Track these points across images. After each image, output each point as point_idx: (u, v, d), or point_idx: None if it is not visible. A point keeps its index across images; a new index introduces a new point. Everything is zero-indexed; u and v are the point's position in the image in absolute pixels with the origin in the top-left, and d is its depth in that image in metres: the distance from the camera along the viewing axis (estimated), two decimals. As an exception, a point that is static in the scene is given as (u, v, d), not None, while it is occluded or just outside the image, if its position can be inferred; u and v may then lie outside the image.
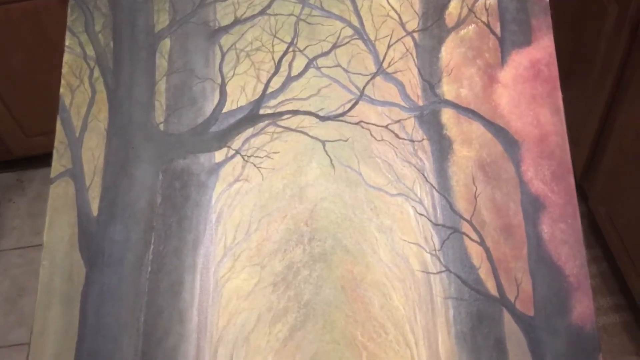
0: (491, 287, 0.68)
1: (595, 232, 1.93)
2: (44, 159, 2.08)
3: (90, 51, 0.72)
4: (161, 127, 0.70)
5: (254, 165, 0.70)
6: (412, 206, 0.70)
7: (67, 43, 0.72)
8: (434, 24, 0.75)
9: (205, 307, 0.65)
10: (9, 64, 1.78)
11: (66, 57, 0.71)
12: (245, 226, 0.68)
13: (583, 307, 0.67)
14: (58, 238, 0.66)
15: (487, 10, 0.76)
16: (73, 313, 0.64)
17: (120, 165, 0.69)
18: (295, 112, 0.72)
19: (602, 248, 1.92)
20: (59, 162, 0.68)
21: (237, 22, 0.74)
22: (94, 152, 0.69)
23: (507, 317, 0.67)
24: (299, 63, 0.74)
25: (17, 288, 1.87)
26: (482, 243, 0.69)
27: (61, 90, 0.70)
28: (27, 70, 1.80)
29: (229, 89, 0.72)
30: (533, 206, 0.70)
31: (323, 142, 0.71)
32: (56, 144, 0.68)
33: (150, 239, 0.67)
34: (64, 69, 0.71)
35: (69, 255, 0.66)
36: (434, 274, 0.68)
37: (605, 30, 1.55)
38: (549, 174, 0.71)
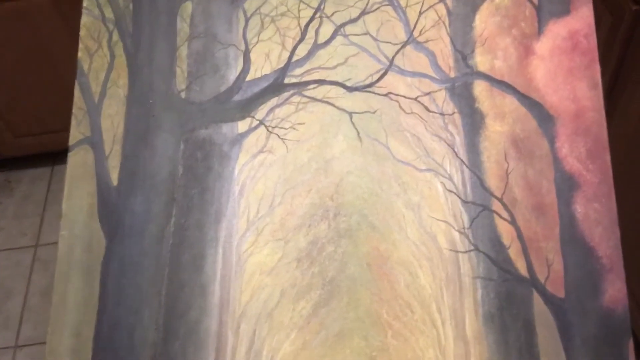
0: (521, 267, 0.66)
1: None
2: (32, 159, 2.06)
3: (109, 13, 0.69)
4: (182, 94, 0.68)
5: (278, 136, 0.67)
6: (441, 182, 0.67)
7: (84, 4, 0.68)
8: (468, -9, 0.71)
9: (227, 281, 0.63)
10: (-1, 64, 1.75)
11: (84, 19, 0.68)
12: (268, 199, 0.66)
13: (615, 289, 0.65)
14: (77, 208, 0.64)
15: (524, -23, 0.72)
16: (93, 284, 0.63)
17: (141, 134, 0.66)
18: (321, 82, 0.69)
19: None
20: (77, 129, 0.66)
21: (261, -15, 0.71)
22: (113, 119, 0.66)
23: (536, 298, 0.65)
24: (326, 30, 0.70)
25: (3, 290, 1.85)
26: (512, 222, 0.66)
27: (79, 54, 0.67)
28: (16, 70, 1.78)
29: (253, 56, 0.69)
30: (567, 184, 0.67)
31: (350, 114, 0.68)
32: (74, 110, 0.66)
33: (172, 210, 0.65)
34: (82, 32, 0.68)
35: (88, 225, 0.64)
36: (462, 252, 0.66)
37: (598, 40, 1.52)
38: (584, 151, 0.68)
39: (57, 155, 2.08)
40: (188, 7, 0.70)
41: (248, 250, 0.65)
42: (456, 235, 0.66)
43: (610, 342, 0.64)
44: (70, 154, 0.65)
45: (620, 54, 1.45)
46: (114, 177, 0.65)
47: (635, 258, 1.54)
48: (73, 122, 0.66)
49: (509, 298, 0.65)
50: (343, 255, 0.65)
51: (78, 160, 0.65)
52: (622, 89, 1.49)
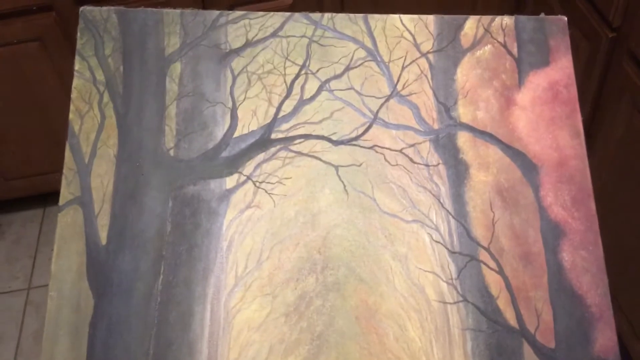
0: (510, 317, 0.65)
1: None
2: (23, 202, 2.08)
3: (100, 76, 0.70)
4: (171, 152, 0.69)
5: (266, 191, 0.68)
6: (428, 233, 0.67)
7: (76, 67, 0.70)
8: (449, 45, 0.73)
9: (215, 339, 0.63)
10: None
11: (75, 81, 0.70)
12: (256, 254, 0.66)
13: (605, 338, 0.64)
14: (66, 267, 0.65)
15: (503, 30, 0.74)
16: (81, 345, 0.62)
17: (130, 192, 0.67)
18: (307, 137, 0.70)
19: None
20: (68, 189, 0.67)
21: (248, 44, 0.72)
22: (102, 179, 0.67)
23: (527, 349, 0.64)
24: (312, 86, 0.72)
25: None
26: (500, 271, 0.66)
27: (70, 116, 0.69)
28: (5, 114, 1.82)
29: (240, 113, 0.70)
30: (553, 233, 0.67)
31: (336, 167, 0.69)
32: (65, 170, 0.67)
33: (160, 268, 0.65)
34: (73, 94, 0.69)
35: (76, 285, 0.64)
36: (451, 303, 0.65)
37: (577, 67, 1.55)
38: (569, 199, 0.68)
39: (49, 197, 2.08)
40: (177, 68, 0.72)
41: (236, 306, 0.64)
42: (444, 286, 0.66)
43: (603, 393, 0.63)
44: (60, 215, 0.66)
45: (599, 80, 1.47)
46: (103, 236, 0.66)
47: (628, 290, 1.53)
48: (63, 182, 0.66)
49: (499, 349, 0.64)
50: (331, 309, 0.65)
51: (68, 221, 0.66)
52: (602, 115, 1.50)
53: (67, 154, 0.67)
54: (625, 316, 1.57)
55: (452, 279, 0.66)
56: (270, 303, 0.65)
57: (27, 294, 1.93)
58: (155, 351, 0.62)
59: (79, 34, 0.72)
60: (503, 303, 0.65)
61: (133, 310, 0.64)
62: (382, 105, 0.72)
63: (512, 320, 0.65)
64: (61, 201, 0.66)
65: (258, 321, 0.64)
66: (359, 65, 0.73)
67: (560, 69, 0.73)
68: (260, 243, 0.67)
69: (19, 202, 2.09)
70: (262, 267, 0.66)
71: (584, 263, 0.66)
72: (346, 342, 0.64)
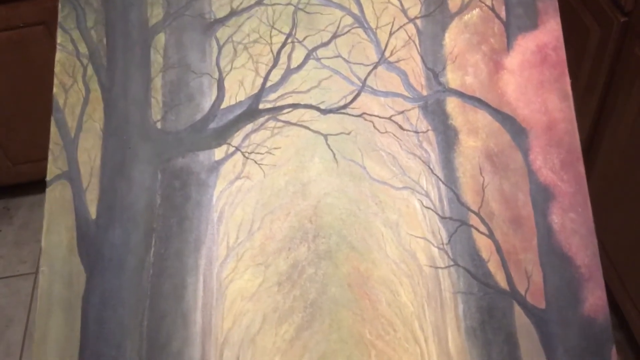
0: (501, 280, 0.65)
1: None
2: (31, 186, 2.06)
3: (83, 48, 0.69)
4: (158, 125, 0.68)
5: (255, 162, 0.67)
6: (419, 199, 0.67)
7: (58, 40, 0.69)
8: (436, 10, 0.72)
9: (209, 309, 0.63)
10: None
11: (58, 55, 0.68)
12: (247, 225, 0.66)
13: (595, 298, 0.65)
14: (56, 243, 0.64)
15: (491, -7, 0.72)
16: (74, 319, 0.62)
17: (118, 166, 0.66)
18: (295, 106, 0.69)
19: None
20: (55, 164, 0.66)
21: (233, 13, 0.71)
22: (90, 153, 0.66)
23: (517, 310, 0.65)
24: (299, 54, 0.70)
25: (4, 318, 1.84)
26: (490, 235, 0.66)
27: (54, 90, 0.67)
28: (13, 98, 1.80)
29: (227, 83, 0.69)
30: (542, 196, 0.67)
31: (325, 136, 0.68)
32: (51, 145, 0.66)
33: (151, 241, 0.64)
34: (57, 68, 0.68)
35: (68, 260, 0.64)
36: (442, 268, 0.65)
37: (588, 52, 1.52)
38: (558, 162, 0.68)
39: (57, 181, 2.06)
40: (161, 39, 0.70)
41: (229, 277, 0.64)
42: (435, 251, 0.66)
43: (593, 351, 0.64)
44: (48, 190, 0.65)
45: (610, 66, 1.45)
46: (92, 211, 0.65)
47: (633, 265, 1.54)
48: (50, 157, 0.66)
49: (490, 312, 0.64)
50: (324, 277, 0.65)
51: (56, 196, 0.65)
52: (613, 102, 1.48)
53: (53, 128, 0.66)
54: (616, 273, 1.58)
55: (443, 244, 0.66)
56: (263, 272, 0.65)
57: (35, 278, 1.93)
58: (150, 323, 0.62)
59: (60, 6, 0.70)
60: (494, 266, 0.66)
61: (125, 283, 0.63)
62: (370, 72, 0.71)
63: (503, 283, 0.65)
64: (49, 176, 0.65)
65: (251, 291, 0.64)
66: (346, 33, 0.72)
67: (549, 32, 0.72)
68: (251, 213, 0.67)
69: (27, 187, 2.07)
70: (254, 237, 0.66)
71: (573, 225, 0.66)
72: (339, 309, 0.65)
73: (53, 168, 0.66)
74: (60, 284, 0.63)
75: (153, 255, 0.64)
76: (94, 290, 0.63)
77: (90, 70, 0.69)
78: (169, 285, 0.64)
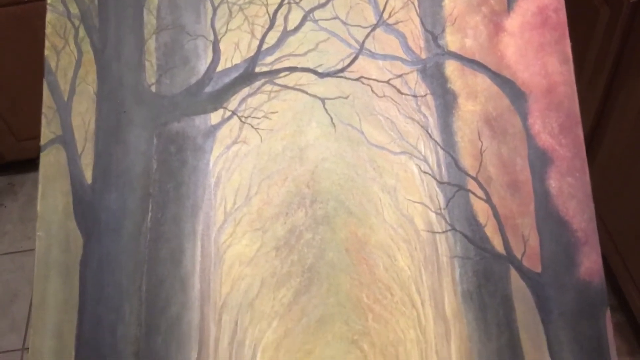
0: (497, 244, 0.65)
1: None
2: (35, 162, 2.04)
3: (74, 9, 0.67)
4: (153, 88, 0.66)
5: (252, 126, 0.66)
6: (416, 164, 0.67)
7: (48, 1, 0.66)
8: (436, -30, 0.70)
9: (207, 274, 0.63)
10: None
11: (49, 16, 0.66)
12: (245, 190, 0.65)
13: (591, 262, 0.65)
14: (52, 207, 0.63)
15: (492, -47, 0.70)
16: (72, 283, 0.62)
17: (112, 130, 0.65)
18: (292, 69, 0.68)
19: None
20: (48, 128, 0.64)
21: (227, -27, 0.69)
22: (84, 117, 0.65)
23: (513, 274, 0.65)
24: (295, 16, 0.69)
25: (9, 294, 1.85)
26: (488, 200, 0.66)
27: (46, 52, 0.66)
28: (17, 74, 1.77)
29: (222, 46, 0.68)
30: (540, 160, 0.67)
31: (323, 100, 0.67)
32: (44, 109, 0.64)
33: (148, 206, 0.64)
34: (48, 29, 0.66)
35: (64, 225, 0.63)
36: (439, 233, 0.65)
37: (596, 33, 1.49)
38: (556, 126, 0.68)
39: (61, 157, 2.06)
40: (154, -1, 0.68)
41: (226, 242, 0.64)
42: (433, 216, 0.66)
43: (587, 314, 0.64)
44: (42, 154, 0.64)
45: (619, 47, 1.42)
46: (88, 175, 0.64)
47: (636, 249, 1.55)
48: (43, 121, 0.64)
49: (486, 275, 0.65)
50: (321, 241, 0.65)
51: (51, 160, 0.64)
52: (622, 82, 1.46)
53: (45, 92, 0.65)
54: (620, 256, 1.59)
55: (440, 208, 0.66)
56: (261, 237, 0.65)
57: (40, 254, 1.93)
58: (148, 287, 0.62)
59: (48, -35, 0.68)
60: (491, 231, 0.66)
61: (123, 248, 0.63)
62: (368, 35, 0.69)
63: (499, 247, 0.65)
64: (43, 140, 0.64)
65: (249, 255, 0.64)
66: (344, -6, 0.70)
67: (550, -7, 0.70)
68: (248, 179, 0.66)
69: (32, 163, 2.05)
70: (251, 202, 0.66)
71: (571, 189, 0.66)
72: (337, 274, 0.65)
73: (47, 132, 0.65)
74: (57, 249, 0.63)
75: (150, 221, 0.64)
76: (92, 255, 0.63)
77: (82, 31, 0.67)
78: (167, 250, 0.63)
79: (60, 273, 0.63)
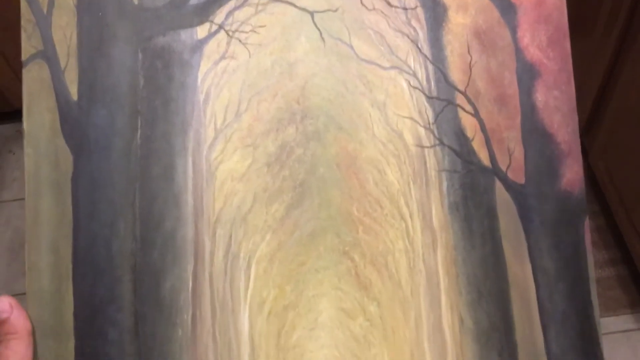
0: (484, 157, 0.67)
1: (594, 188, 1.92)
2: None
3: None
4: (135, 1, 0.64)
5: (240, 41, 0.65)
6: (406, 79, 0.66)
7: None
8: None
9: (200, 190, 0.63)
10: (6, 15, 1.64)
11: None
12: (234, 106, 0.64)
13: (573, 172, 0.67)
14: (39, 125, 0.62)
15: None
16: (65, 200, 0.62)
17: (95, 45, 0.63)
18: (279, -19, 0.65)
19: (599, 204, 1.91)
20: (29, 42, 0.62)
21: None
22: (65, 31, 0.63)
23: (498, 186, 0.67)
24: None
25: (19, 239, 1.85)
26: (476, 114, 0.67)
27: (19, -39, 0.62)
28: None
29: (205, -45, 0.65)
30: (528, 74, 0.67)
31: (311, 13, 0.65)
32: (23, 22, 0.62)
33: (137, 123, 0.63)
34: (19, -63, 0.62)
35: (52, 142, 0.62)
36: (428, 147, 0.66)
37: (604, 7, 1.43)
38: (545, 39, 0.67)
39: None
40: None
41: (218, 158, 0.64)
42: (422, 131, 0.67)
43: (567, 223, 0.67)
44: (24, 70, 0.62)
45: (625, 22, 1.39)
46: (73, 92, 0.62)
47: None
48: (23, 35, 0.62)
49: (472, 188, 0.66)
50: (312, 157, 0.65)
51: (34, 76, 0.62)
52: (635, 34, 1.43)
53: (23, 3, 0.62)
54: (625, 211, 1.62)
55: (429, 123, 0.66)
56: (252, 154, 0.65)
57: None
58: (141, 203, 0.62)
59: None
60: (477, 145, 0.67)
61: (114, 165, 0.63)
62: (357, -56, 0.67)
63: (486, 161, 0.67)
64: (24, 56, 0.62)
65: (241, 171, 0.65)
66: None
67: None
68: (237, 95, 0.65)
69: None
70: (241, 118, 0.65)
71: (556, 102, 0.67)
72: (328, 188, 0.66)
73: (28, 47, 0.62)
74: (47, 166, 0.62)
75: (140, 138, 0.63)
76: (82, 172, 0.62)
77: (56, -61, 0.63)
78: (159, 167, 0.63)
79: (51, 190, 0.62)
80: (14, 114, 1.95)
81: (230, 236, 0.64)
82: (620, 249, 1.81)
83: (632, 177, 1.56)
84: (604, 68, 1.58)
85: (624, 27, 1.48)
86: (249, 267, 0.64)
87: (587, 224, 0.68)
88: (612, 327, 1.73)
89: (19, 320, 0.59)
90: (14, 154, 1.92)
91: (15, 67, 1.79)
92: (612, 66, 1.59)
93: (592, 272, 0.67)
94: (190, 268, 0.63)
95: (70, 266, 0.61)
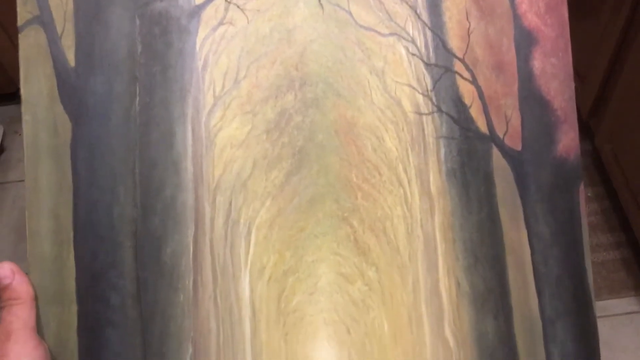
0: (481, 124, 0.67)
1: (600, 170, 1.91)
2: None
3: None
4: (131, -35, 0.63)
5: (238, 6, 0.64)
6: (405, 46, 0.66)
7: None
8: None
9: (199, 157, 0.63)
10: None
11: None
12: (233, 73, 0.64)
13: (568, 139, 0.68)
14: (36, 91, 0.62)
15: None
16: (65, 167, 0.62)
17: (92, 10, 0.62)
18: (277, -55, 0.65)
19: (605, 186, 1.91)
20: (25, 8, 0.61)
21: None
22: (60, -4, 0.62)
23: (495, 152, 0.68)
24: None
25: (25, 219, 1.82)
26: (474, 81, 0.67)
27: None
28: None
29: None
30: (526, 41, 0.68)
31: (310, -21, 0.65)
32: (18, -13, 0.60)
33: (135, 90, 0.63)
34: None
35: (50, 108, 0.62)
36: (426, 114, 0.67)
37: None
38: (543, 5, 0.68)
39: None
40: None
41: (217, 125, 0.64)
42: (420, 97, 0.67)
43: (562, 188, 0.68)
44: (20, 36, 0.61)
45: (632, 4, 1.36)
46: (71, 58, 0.62)
47: None
48: (19, 0, 0.61)
49: (470, 154, 0.67)
50: (311, 124, 0.65)
51: (30, 42, 0.62)
52: (633, 39, 1.42)
53: (17, -33, 0.60)
54: (620, 168, 1.62)
55: (427, 90, 0.67)
56: (251, 121, 0.65)
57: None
58: (141, 170, 0.62)
59: None
60: (475, 112, 0.67)
61: (113, 132, 0.62)
62: None
63: (483, 127, 0.67)
64: (20, 21, 0.61)
65: (240, 138, 0.65)
66: None
67: None
68: (236, 61, 0.65)
69: None
70: (240, 85, 0.65)
71: (553, 69, 0.67)
72: (327, 155, 0.66)
73: (23, 12, 0.61)
74: (45, 133, 0.62)
75: (139, 104, 0.63)
76: (82, 139, 0.62)
77: None
78: (158, 134, 0.63)
79: (51, 157, 0.62)
80: (19, 95, 1.92)
81: (230, 203, 0.65)
82: (625, 231, 1.81)
83: (638, 160, 1.57)
84: (611, 51, 1.57)
85: (631, 10, 1.47)
86: (249, 233, 0.64)
87: (582, 189, 0.69)
88: (616, 309, 1.73)
89: (21, 286, 0.59)
90: (19, 134, 1.90)
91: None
92: (619, 49, 1.59)
93: (587, 237, 0.68)
94: (190, 234, 0.63)
95: (71, 232, 0.61)
